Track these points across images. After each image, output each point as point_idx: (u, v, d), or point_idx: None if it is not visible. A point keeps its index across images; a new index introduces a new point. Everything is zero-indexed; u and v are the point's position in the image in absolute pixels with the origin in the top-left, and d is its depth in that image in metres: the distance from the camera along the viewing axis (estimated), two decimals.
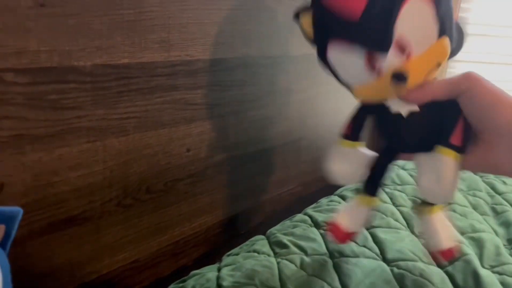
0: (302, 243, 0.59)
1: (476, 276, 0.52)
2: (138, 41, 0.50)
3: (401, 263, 0.54)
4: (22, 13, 0.40)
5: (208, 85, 0.62)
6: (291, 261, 0.55)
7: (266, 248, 0.59)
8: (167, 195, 0.62)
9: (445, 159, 0.38)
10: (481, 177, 0.84)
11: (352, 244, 0.59)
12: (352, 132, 0.46)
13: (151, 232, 0.62)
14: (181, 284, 0.53)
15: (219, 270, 0.55)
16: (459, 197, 0.75)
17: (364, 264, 0.54)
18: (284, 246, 0.58)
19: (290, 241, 0.59)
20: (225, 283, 0.50)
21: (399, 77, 0.35)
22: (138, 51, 0.51)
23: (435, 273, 0.54)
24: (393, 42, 0.35)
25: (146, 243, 0.62)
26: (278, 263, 0.55)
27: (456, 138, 0.38)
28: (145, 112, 0.54)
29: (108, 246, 0.56)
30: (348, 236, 0.50)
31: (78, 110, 0.47)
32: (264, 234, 0.65)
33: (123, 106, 0.51)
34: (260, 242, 0.61)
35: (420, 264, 0.55)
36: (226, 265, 0.55)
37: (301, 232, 0.62)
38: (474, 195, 0.77)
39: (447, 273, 0.54)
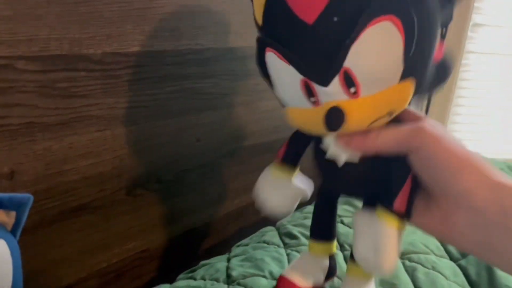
0: None
1: (489, 270, 0.51)
2: (148, 29, 0.50)
3: (413, 255, 0.54)
4: (33, 0, 0.40)
5: (218, 75, 0.61)
6: (300, 253, 0.54)
7: (276, 239, 0.59)
8: (177, 185, 0.62)
9: (386, 227, 0.31)
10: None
11: None
12: (286, 156, 0.38)
13: (161, 222, 0.62)
14: (190, 274, 0.53)
15: (228, 260, 0.55)
16: None
17: None
18: (294, 237, 0.58)
19: (300, 232, 0.59)
20: (234, 273, 0.50)
21: (333, 118, 0.28)
22: (148, 39, 0.50)
23: (448, 266, 0.53)
24: (340, 70, 0.27)
25: (156, 233, 0.62)
26: (287, 254, 0.54)
27: (400, 202, 0.31)
28: (154, 101, 0.54)
29: (118, 235, 0.56)
30: None
31: (88, 98, 0.47)
32: (274, 225, 0.65)
33: (133, 95, 0.51)
34: (270, 233, 0.61)
35: (432, 257, 0.54)
36: (235, 256, 0.55)
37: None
38: None
39: (460, 266, 0.53)
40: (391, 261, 0.31)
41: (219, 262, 0.54)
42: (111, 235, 0.55)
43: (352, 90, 0.28)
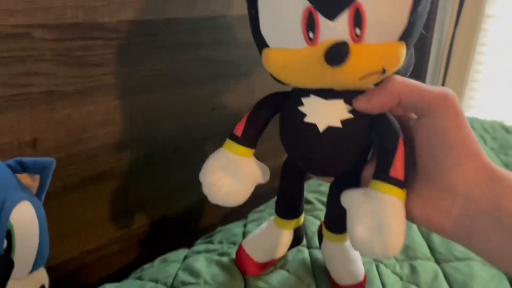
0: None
1: None
2: None
3: None
4: None
5: (233, 43, 0.61)
6: (316, 217, 0.55)
7: None
8: (194, 154, 0.63)
9: (387, 199, 0.27)
10: None
11: None
12: (243, 134, 0.34)
13: (178, 190, 0.63)
14: (208, 239, 0.55)
15: (245, 226, 0.56)
16: (490, 155, 0.73)
17: None
18: (309, 202, 0.59)
19: (316, 198, 0.60)
20: None
21: (338, 51, 0.25)
22: (162, 6, 0.50)
23: None
24: (352, 3, 0.25)
25: (174, 201, 0.63)
26: None
27: (398, 169, 0.28)
28: (170, 70, 0.54)
29: (137, 202, 0.58)
30: (261, 268, 0.42)
31: (104, 67, 0.47)
32: None
33: (148, 63, 0.51)
34: None
35: None
36: (252, 221, 0.56)
37: (326, 190, 0.62)
38: (506, 154, 0.75)
39: None
40: (399, 238, 0.27)
41: (236, 227, 0.55)
42: (131, 202, 0.57)
43: (358, 31, 0.26)
